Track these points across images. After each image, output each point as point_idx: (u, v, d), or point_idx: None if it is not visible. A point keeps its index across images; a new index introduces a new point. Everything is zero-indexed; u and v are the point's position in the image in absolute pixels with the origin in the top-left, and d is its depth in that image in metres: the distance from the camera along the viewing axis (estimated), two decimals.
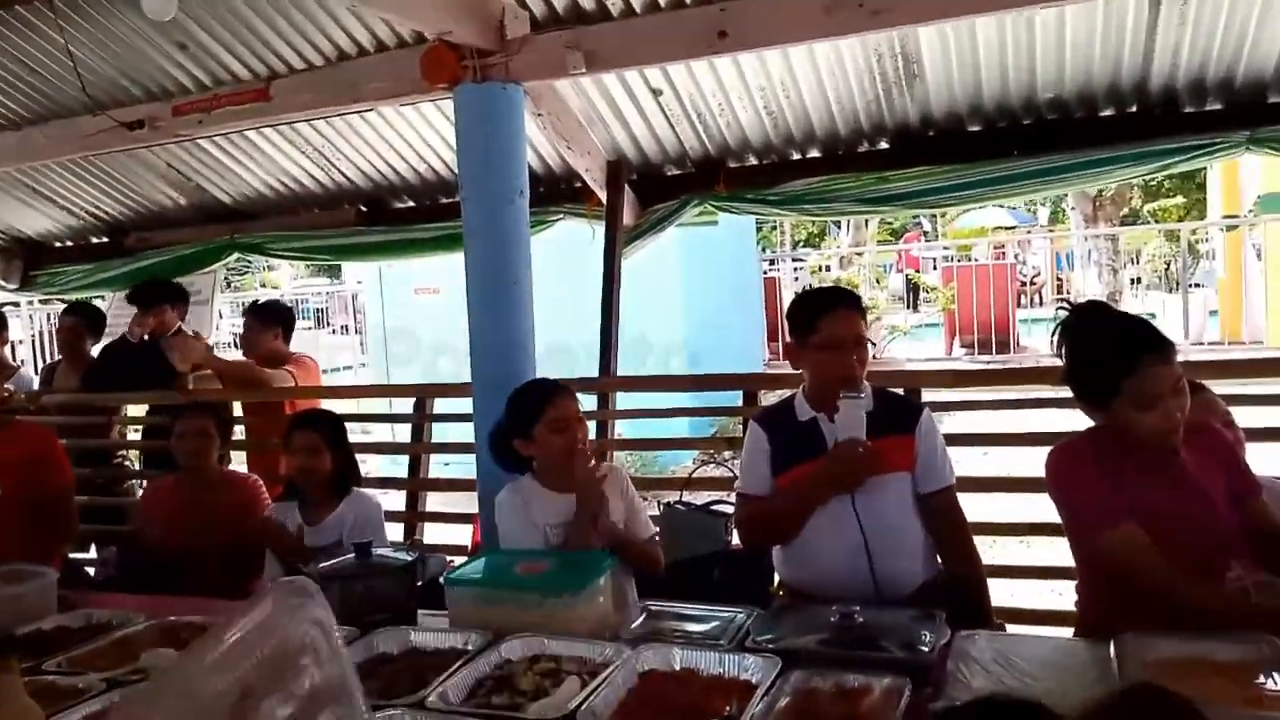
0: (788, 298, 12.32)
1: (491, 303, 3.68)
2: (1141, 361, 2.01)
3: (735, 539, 3.25)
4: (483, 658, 1.98)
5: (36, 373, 7.65)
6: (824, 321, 2.50)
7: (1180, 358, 2.11)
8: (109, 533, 4.43)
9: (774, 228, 20.21)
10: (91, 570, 4.14)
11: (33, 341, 11.54)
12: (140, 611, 2.36)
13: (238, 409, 4.58)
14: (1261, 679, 1.73)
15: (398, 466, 5.04)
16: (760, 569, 2.92)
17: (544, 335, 3.87)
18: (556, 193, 4.90)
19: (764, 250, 16.40)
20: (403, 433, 4.68)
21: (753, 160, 4.59)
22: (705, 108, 4.30)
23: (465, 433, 3.97)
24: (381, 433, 6.56)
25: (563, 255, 5.15)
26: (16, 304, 9.34)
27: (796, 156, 4.52)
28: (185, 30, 4.15)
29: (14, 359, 6.21)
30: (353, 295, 14.20)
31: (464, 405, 3.98)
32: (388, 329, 9.80)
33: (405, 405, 4.74)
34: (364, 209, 5.36)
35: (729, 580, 2.95)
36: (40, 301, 10.97)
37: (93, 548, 4.54)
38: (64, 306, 5.45)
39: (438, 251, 5.17)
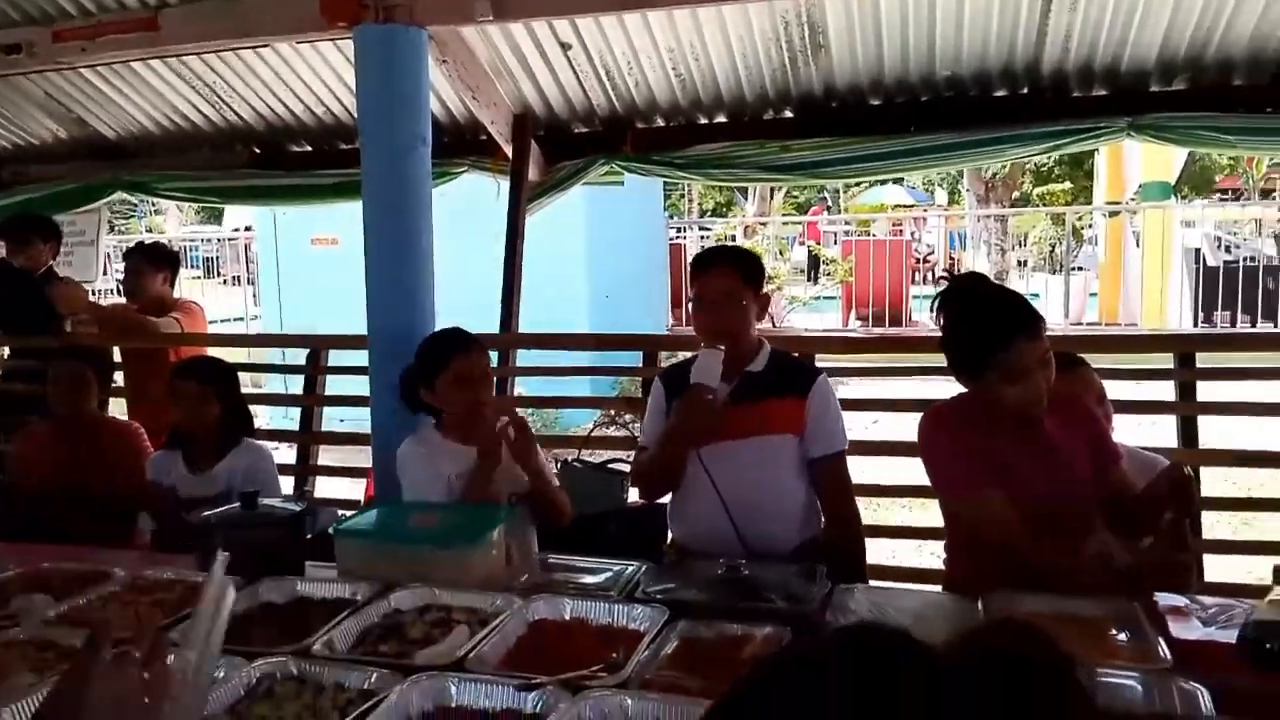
0: None
1: (390, 253, 3.60)
2: (1012, 337, 2.11)
3: (631, 496, 3.31)
4: (371, 607, 1.97)
5: None
6: (698, 279, 2.58)
7: (1059, 334, 2.22)
8: None
9: (682, 195, 20.31)
10: None
11: None
12: (10, 558, 2.27)
13: (117, 355, 4.40)
14: (1115, 633, 1.86)
15: (290, 421, 4.92)
16: (654, 526, 2.97)
17: (444, 290, 3.82)
18: (461, 145, 4.82)
19: (671, 217, 16.45)
20: (296, 385, 4.57)
21: (660, 122, 4.60)
22: (614, 66, 4.28)
23: (360, 386, 3.89)
24: (274, 385, 6.39)
25: (466, 213, 5.08)
26: None
27: (704, 121, 4.55)
28: None
29: None
30: (245, 244, 13.70)
31: (359, 358, 3.90)
32: (282, 280, 9.50)
33: (298, 357, 4.63)
34: (258, 151, 5.18)
35: (623, 536, 3.00)
36: None
37: None
38: None
39: (336, 199, 5.04)
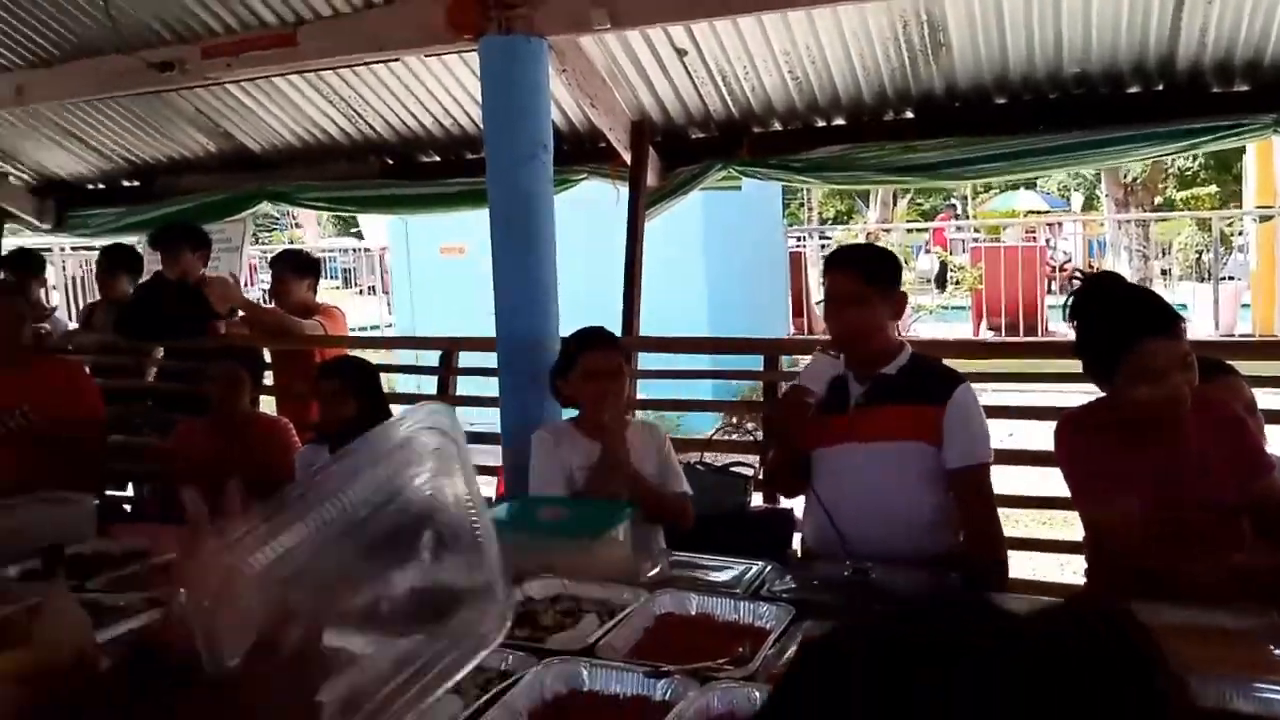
0: (814, 274, 12.28)
1: (514, 258, 3.70)
2: (1140, 336, 2.03)
3: (756, 500, 3.32)
4: None
5: (71, 318, 7.77)
6: (825, 277, 2.61)
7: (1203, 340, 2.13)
8: (146, 470, 4.52)
9: (801, 204, 20.14)
10: (128, 508, 4.25)
11: (65, 288, 11.67)
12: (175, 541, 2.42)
13: (267, 356, 4.65)
14: (1271, 646, 1.77)
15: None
16: (779, 529, 2.98)
17: (567, 294, 3.90)
18: (581, 152, 4.91)
19: (791, 226, 16.35)
20: (428, 385, 4.74)
21: (777, 126, 4.58)
22: (730, 70, 4.29)
23: (490, 388, 4.00)
24: (408, 385, 6.63)
25: (588, 217, 5.17)
26: (49, 249, 9.40)
27: (821, 124, 4.51)
28: None
29: (48, 303, 6.29)
30: (380, 256, 14.28)
31: (489, 360, 4.01)
32: (414, 288, 9.86)
33: (431, 360, 4.79)
34: (390, 162, 5.39)
35: (747, 539, 3.00)
36: (72, 249, 11.04)
37: (129, 486, 4.64)
38: (102, 248, 5.52)
39: (462, 207, 5.21)
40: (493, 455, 3.99)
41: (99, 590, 2.09)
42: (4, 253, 5.96)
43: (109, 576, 2.20)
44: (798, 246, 13.96)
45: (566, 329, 3.40)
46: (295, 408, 4.33)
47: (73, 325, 6.13)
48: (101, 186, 6.29)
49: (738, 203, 7.33)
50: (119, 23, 4.37)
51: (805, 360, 2.68)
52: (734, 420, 4.35)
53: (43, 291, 5.24)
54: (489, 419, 3.99)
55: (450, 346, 4.65)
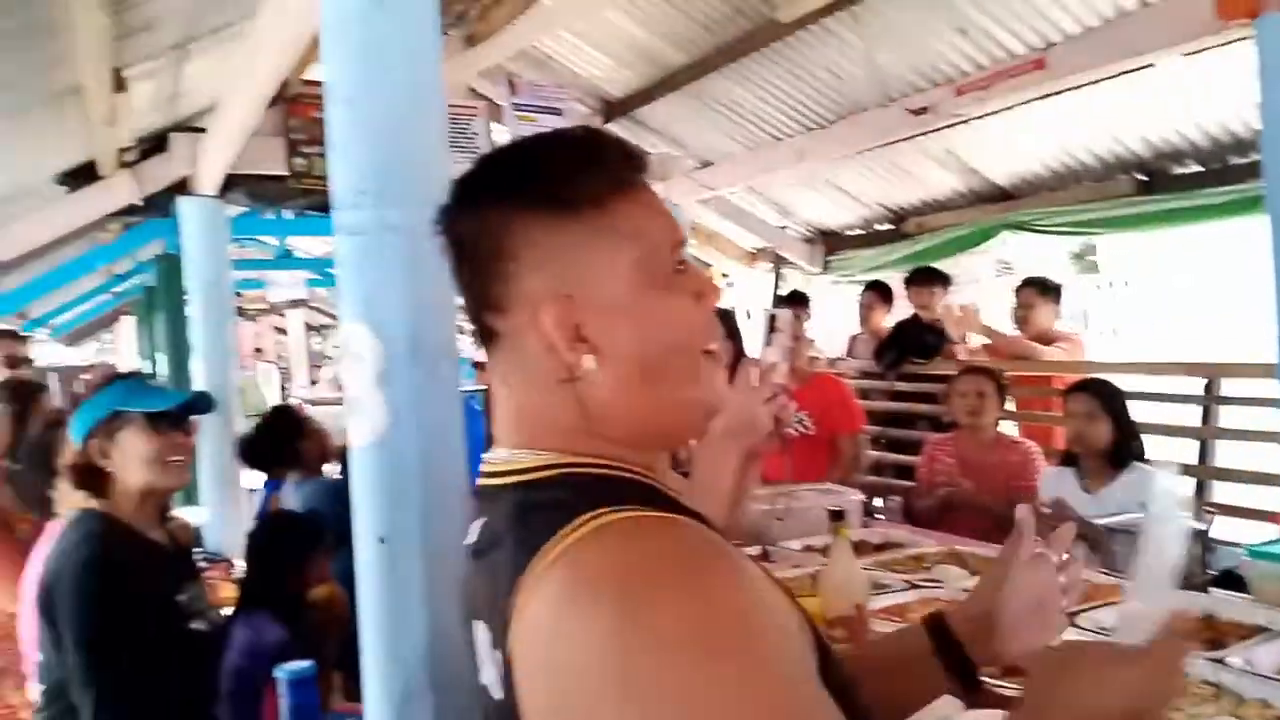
0: None
1: None
2: None
3: None
4: None
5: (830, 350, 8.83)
6: None
7: None
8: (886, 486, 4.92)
9: None
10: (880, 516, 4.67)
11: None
12: (930, 538, 2.62)
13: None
14: None
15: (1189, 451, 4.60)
16: None
17: None
18: None
19: None
20: (1188, 417, 4.29)
21: None
22: None
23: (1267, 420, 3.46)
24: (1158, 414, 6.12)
25: None
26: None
27: None
28: (964, 14, 4.34)
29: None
30: (1117, 294, 13.44)
31: (1266, 388, 3.47)
32: (1157, 323, 9.04)
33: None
34: (1141, 178, 5.02)
35: None
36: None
37: (876, 499, 5.08)
38: (865, 284, 6.18)
39: (1225, 217, 4.59)
40: (1270, 498, 3.44)
41: (865, 568, 2.31)
42: (784, 293, 7.03)
43: (873, 559, 2.47)
44: None
45: None
46: (1035, 432, 4.29)
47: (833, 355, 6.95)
48: (859, 231, 7.01)
49: None
50: (880, 78, 4.83)
51: None
52: None
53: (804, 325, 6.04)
54: (1263, 459, 3.44)
55: (1213, 373, 4.16)
